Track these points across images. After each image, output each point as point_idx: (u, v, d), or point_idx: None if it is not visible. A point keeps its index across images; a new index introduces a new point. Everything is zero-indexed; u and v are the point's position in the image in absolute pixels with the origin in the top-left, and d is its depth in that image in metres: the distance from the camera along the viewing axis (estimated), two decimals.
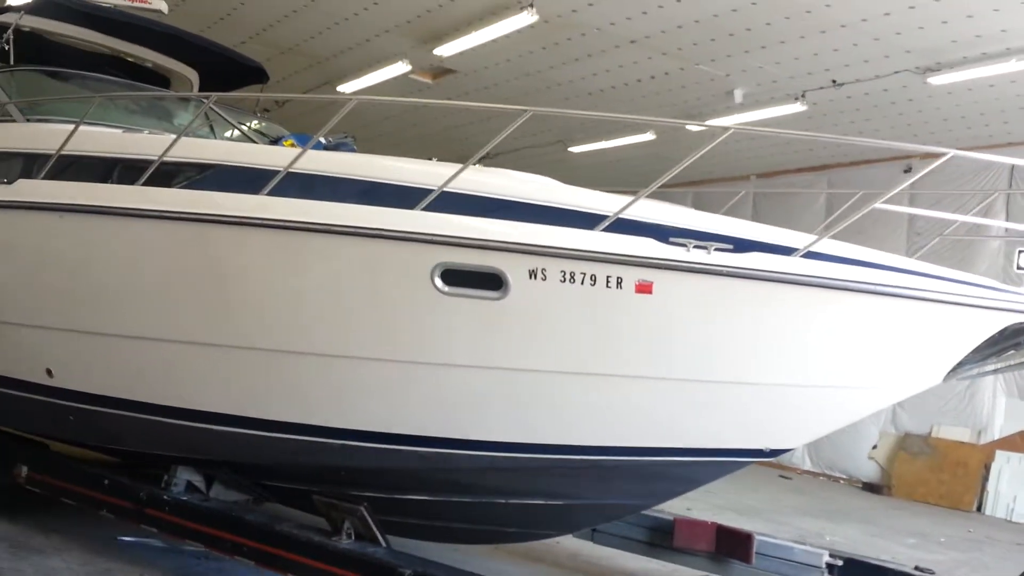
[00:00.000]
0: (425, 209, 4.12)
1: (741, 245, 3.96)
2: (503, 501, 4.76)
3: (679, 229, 4.01)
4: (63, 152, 5.02)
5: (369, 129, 14.72)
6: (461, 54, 11.98)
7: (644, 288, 3.94)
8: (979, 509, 12.33)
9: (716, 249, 3.90)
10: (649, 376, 4.18)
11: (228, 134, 6.61)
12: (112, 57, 7.03)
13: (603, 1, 10.00)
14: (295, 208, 4.30)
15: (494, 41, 11.29)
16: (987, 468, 12.43)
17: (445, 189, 4.13)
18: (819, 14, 9.55)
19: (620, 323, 4.06)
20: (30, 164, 5.21)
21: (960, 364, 4.12)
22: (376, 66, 12.95)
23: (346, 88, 13.85)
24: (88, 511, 5.58)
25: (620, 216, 4.00)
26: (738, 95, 12.07)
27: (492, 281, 4.07)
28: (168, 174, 4.71)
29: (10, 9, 6.53)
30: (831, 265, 3.96)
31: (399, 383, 4.45)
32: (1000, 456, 12.42)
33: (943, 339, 4.04)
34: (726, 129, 4.04)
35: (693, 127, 14.01)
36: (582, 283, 3.97)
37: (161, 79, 7.40)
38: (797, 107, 12.02)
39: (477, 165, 4.44)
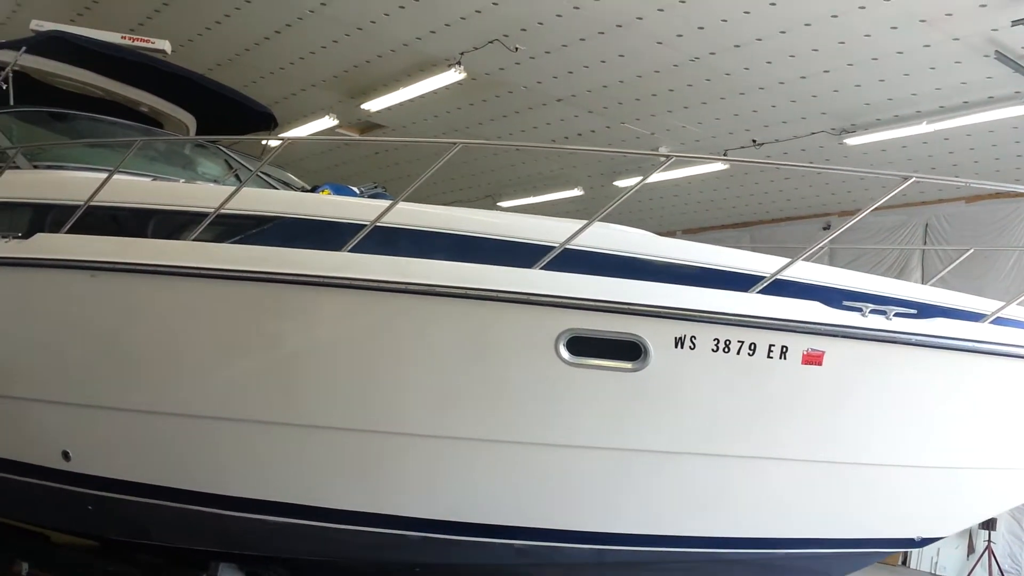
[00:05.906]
0: (544, 268, 3.59)
1: (924, 310, 3.59)
2: None
3: (851, 292, 3.61)
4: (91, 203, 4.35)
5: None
6: (388, 109, 11.94)
7: (813, 359, 3.48)
8: (904, 563, 12.43)
9: (896, 314, 3.49)
10: (808, 459, 3.71)
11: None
12: (105, 101, 6.49)
13: (529, 60, 10.08)
14: (389, 266, 3.68)
15: (422, 97, 11.30)
16: None
17: (568, 246, 3.59)
18: (738, 76, 9.80)
19: (781, 398, 3.58)
20: (44, 215, 4.55)
21: None
22: (302, 120, 12.82)
23: (271, 142, 13.59)
24: None
25: (778, 277, 3.54)
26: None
27: (629, 350, 3.57)
28: (219, 228, 4.10)
29: (8, 46, 5.97)
30: (1021, 332, 3.62)
31: (507, 467, 3.86)
32: None
33: None
34: (908, 177, 3.70)
35: (621, 183, 14.17)
36: (738, 353, 3.48)
37: (155, 124, 6.86)
38: (719, 165, 12.27)
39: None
